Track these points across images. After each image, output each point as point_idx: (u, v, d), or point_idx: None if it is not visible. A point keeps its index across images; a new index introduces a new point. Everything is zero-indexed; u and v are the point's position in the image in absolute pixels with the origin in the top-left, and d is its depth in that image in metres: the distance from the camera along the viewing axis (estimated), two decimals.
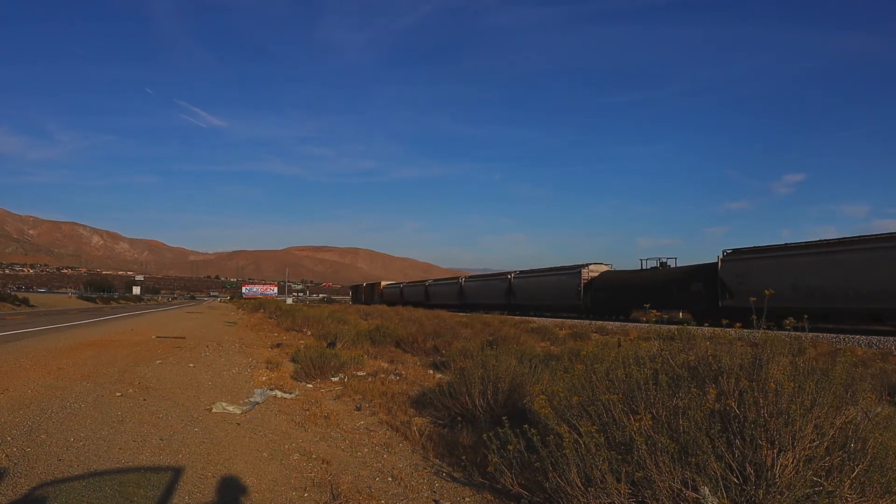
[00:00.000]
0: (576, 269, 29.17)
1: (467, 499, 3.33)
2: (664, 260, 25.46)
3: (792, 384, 2.51)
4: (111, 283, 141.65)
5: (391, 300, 56.25)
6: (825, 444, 2.47)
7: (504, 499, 3.25)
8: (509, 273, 36.44)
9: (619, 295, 25.79)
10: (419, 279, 63.10)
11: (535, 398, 3.60)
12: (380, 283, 66.67)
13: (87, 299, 70.30)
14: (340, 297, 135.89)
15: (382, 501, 3.27)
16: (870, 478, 2.43)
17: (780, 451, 2.41)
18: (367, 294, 69.86)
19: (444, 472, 3.78)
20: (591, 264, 28.76)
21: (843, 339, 13.36)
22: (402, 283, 63.04)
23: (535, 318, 27.16)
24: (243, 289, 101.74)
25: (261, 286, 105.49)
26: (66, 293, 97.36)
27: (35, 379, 6.35)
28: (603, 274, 28.32)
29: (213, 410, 5.23)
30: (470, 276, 44.99)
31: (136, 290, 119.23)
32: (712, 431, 2.53)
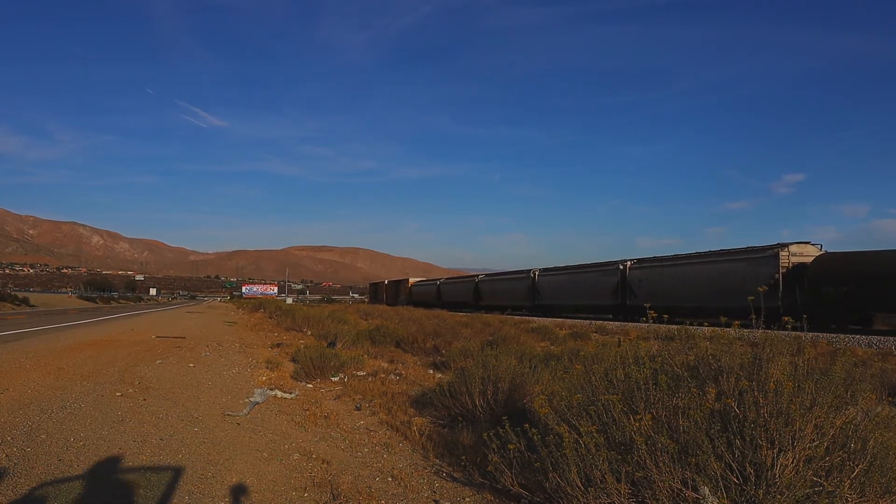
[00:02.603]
0: (767, 252, 18.87)
1: (467, 499, 3.33)
2: None
3: (792, 384, 2.51)
4: (111, 282, 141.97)
5: (423, 301, 46.49)
6: (825, 444, 2.47)
7: (504, 499, 3.25)
8: (622, 262, 25.47)
9: (868, 291, 15.77)
10: (464, 275, 49.95)
11: (536, 398, 3.60)
12: (407, 280, 55.65)
13: (88, 299, 70.32)
14: (340, 296, 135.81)
15: (382, 501, 3.27)
16: (870, 478, 2.42)
17: (780, 451, 2.41)
18: (389, 293, 59.09)
19: (444, 471, 3.78)
20: (791, 244, 18.51)
21: (843, 339, 13.35)
22: (438, 279, 50.44)
23: (536, 319, 25.11)
24: (243, 289, 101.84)
25: (261, 286, 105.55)
26: (66, 293, 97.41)
27: (35, 379, 6.35)
28: (824, 258, 17.82)
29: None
30: (546, 270, 32.17)
31: (153, 292, 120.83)
32: (712, 431, 2.53)
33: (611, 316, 25.70)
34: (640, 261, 25.05)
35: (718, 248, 21.39)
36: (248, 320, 24.03)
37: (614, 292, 25.38)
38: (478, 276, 40.94)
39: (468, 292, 40.07)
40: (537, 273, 32.14)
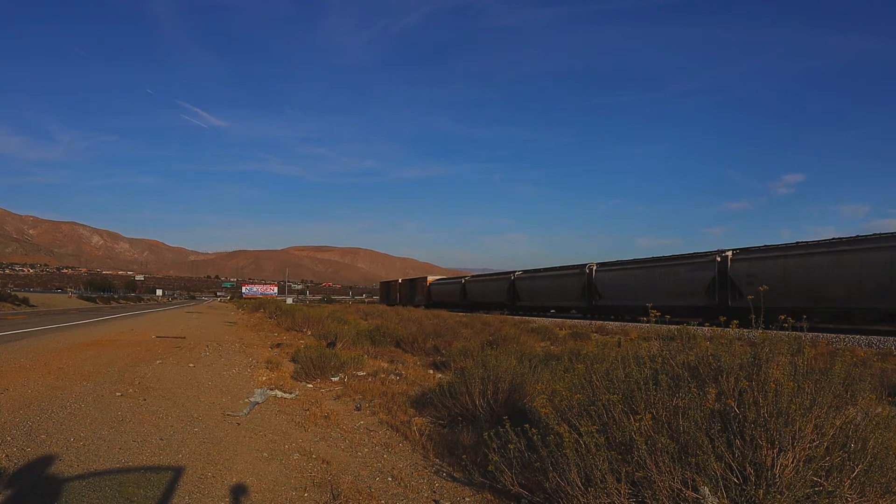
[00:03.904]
0: None
1: (467, 499, 3.33)
2: None
3: (792, 384, 2.51)
4: (111, 283, 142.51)
5: (445, 301, 42.24)
6: (825, 444, 2.47)
7: (504, 498, 3.25)
8: (719, 253, 20.31)
9: None
10: (495, 272, 41.75)
11: (536, 398, 3.60)
12: (424, 278, 49.35)
13: (88, 299, 70.26)
14: (340, 296, 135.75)
15: (382, 501, 3.27)
16: (870, 478, 2.43)
17: (780, 451, 2.42)
18: (403, 293, 53.57)
19: (444, 471, 3.78)
20: None
21: (843, 338, 13.35)
22: (462, 277, 44.78)
23: (537, 319, 24.33)
24: (243, 289, 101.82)
25: (261, 286, 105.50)
26: (66, 293, 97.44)
27: (35, 379, 6.35)
28: None
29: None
30: (605, 264, 26.83)
31: (159, 293, 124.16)
32: (712, 431, 2.53)
33: (701, 319, 20.46)
34: (744, 251, 19.85)
35: (865, 234, 16.15)
36: (248, 320, 24.02)
37: (708, 290, 20.39)
38: (514, 272, 35.08)
39: (501, 291, 35.01)
40: (595, 268, 27.08)
